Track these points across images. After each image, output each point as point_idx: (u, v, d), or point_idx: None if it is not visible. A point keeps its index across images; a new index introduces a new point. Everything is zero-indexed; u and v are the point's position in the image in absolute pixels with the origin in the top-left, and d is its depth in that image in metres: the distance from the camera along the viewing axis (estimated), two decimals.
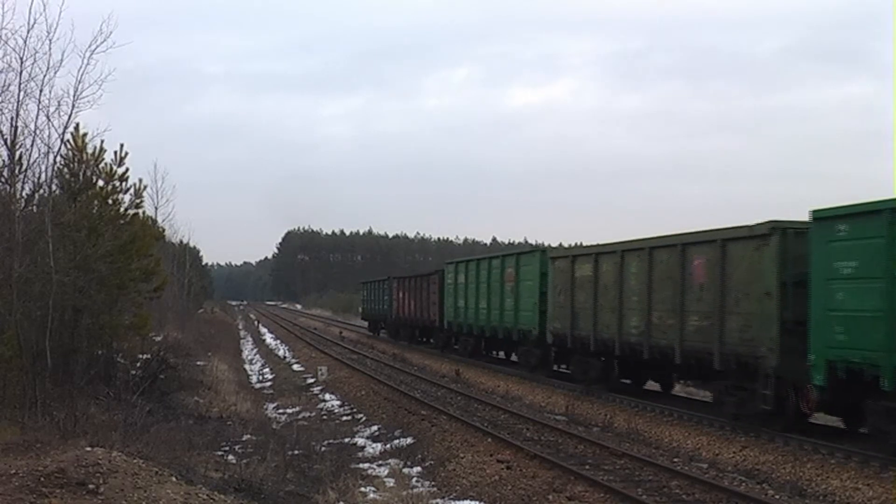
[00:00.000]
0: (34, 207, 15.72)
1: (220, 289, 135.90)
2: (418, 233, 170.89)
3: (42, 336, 13.70)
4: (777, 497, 10.87)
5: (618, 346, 17.66)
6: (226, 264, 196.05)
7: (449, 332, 31.62)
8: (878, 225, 11.07)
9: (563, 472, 11.91)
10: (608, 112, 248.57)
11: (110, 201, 17.55)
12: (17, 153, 15.03)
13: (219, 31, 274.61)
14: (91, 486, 7.78)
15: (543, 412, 18.53)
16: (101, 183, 17.32)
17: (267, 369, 32.48)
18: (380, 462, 14.01)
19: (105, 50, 14.32)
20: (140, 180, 18.79)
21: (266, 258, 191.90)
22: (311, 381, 27.07)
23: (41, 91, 14.40)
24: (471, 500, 11.34)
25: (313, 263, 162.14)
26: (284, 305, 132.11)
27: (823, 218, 12.06)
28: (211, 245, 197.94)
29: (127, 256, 16.75)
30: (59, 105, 14.60)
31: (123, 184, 17.78)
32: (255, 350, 42.78)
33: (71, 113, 14.81)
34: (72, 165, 16.85)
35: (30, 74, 14.22)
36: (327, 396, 23.23)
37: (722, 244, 14.30)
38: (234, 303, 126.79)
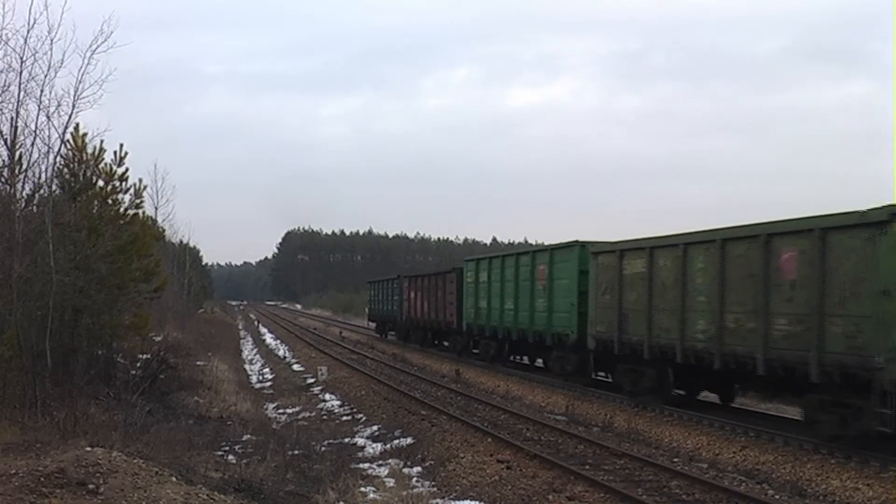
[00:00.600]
0: (34, 207, 15.72)
1: (220, 289, 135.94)
2: (418, 233, 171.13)
3: (42, 336, 13.71)
4: (777, 497, 10.86)
5: (679, 352, 15.42)
6: (226, 264, 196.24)
7: (468, 334, 29.09)
8: None
9: (563, 472, 11.91)
10: (608, 112, 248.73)
11: (110, 201, 17.55)
12: (18, 153, 15.07)
13: (219, 32, 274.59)
14: (91, 486, 7.78)
15: (543, 412, 18.52)
16: (101, 183, 17.32)
17: (267, 369, 32.48)
18: (380, 462, 14.01)
19: (106, 50, 14.36)
20: (140, 180, 18.81)
21: (266, 258, 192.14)
22: (311, 381, 27.07)
23: (41, 91, 14.43)
24: (471, 500, 11.34)
25: (313, 263, 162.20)
26: (284, 305, 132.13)
27: None
28: (211, 245, 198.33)
29: (127, 256, 16.75)
30: (59, 105, 14.63)
31: (123, 184, 17.79)
32: (255, 350, 42.78)
33: (71, 113, 14.84)
34: (72, 165, 16.85)
35: (30, 74, 14.25)
36: (327, 396, 23.23)
37: (821, 234, 12.16)
38: (234, 303, 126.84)
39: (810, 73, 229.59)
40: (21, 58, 14.05)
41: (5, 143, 14.96)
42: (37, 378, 13.20)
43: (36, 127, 14.69)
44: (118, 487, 7.85)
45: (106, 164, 17.31)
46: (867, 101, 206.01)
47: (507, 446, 13.94)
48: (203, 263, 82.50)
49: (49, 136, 14.97)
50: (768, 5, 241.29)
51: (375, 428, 17.72)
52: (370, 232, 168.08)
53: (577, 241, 20.57)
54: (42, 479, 7.81)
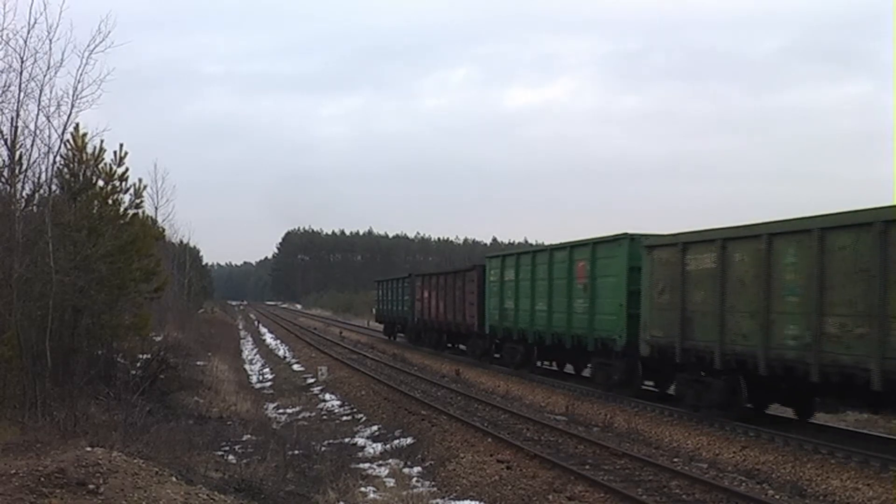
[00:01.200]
0: (34, 207, 15.72)
1: (220, 289, 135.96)
2: (418, 233, 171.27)
3: (42, 336, 13.71)
4: (777, 497, 10.86)
5: (763, 362, 13.25)
6: (226, 264, 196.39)
7: (491, 338, 26.77)
8: None
9: (564, 472, 11.91)
10: (607, 112, 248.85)
11: (110, 201, 17.54)
12: (17, 153, 15.05)
13: (218, 32, 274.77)
14: (91, 486, 7.78)
15: (543, 412, 18.52)
16: (101, 183, 17.31)
17: (267, 369, 32.48)
18: (380, 462, 14.01)
19: (104, 50, 14.33)
20: (140, 180, 18.79)
21: (266, 258, 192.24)
22: (311, 381, 27.07)
23: (41, 91, 14.42)
24: (471, 500, 11.34)
25: (313, 263, 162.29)
26: (284, 305, 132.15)
27: None
28: (211, 245, 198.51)
29: (127, 257, 16.74)
30: (59, 105, 14.62)
31: (123, 184, 17.77)
32: (255, 350, 42.77)
33: (71, 113, 14.84)
34: (72, 165, 16.84)
35: (30, 74, 14.24)
36: (327, 396, 23.23)
37: None
38: (234, 303, 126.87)
39: (808, 73, 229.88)
40: (21, 58, 14.05)
41: (5, 143, 14.96)
42: (37, 378, 13.20)
43: (36, 127, 14.70)
44: (118, 487, 7.85)
45: (106, 164, 17.30)
46: (866, 101, 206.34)
47: (508, 446, 13.94)
48: (203, 263, 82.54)
49: (49, 136, 14.99)
50: (767, 6, 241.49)
51: (375, 428, 17.72)
52: (370, 232, 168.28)
53: (626, 234, 17.98)
54: (42, 479, 7.81)
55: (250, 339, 51.71)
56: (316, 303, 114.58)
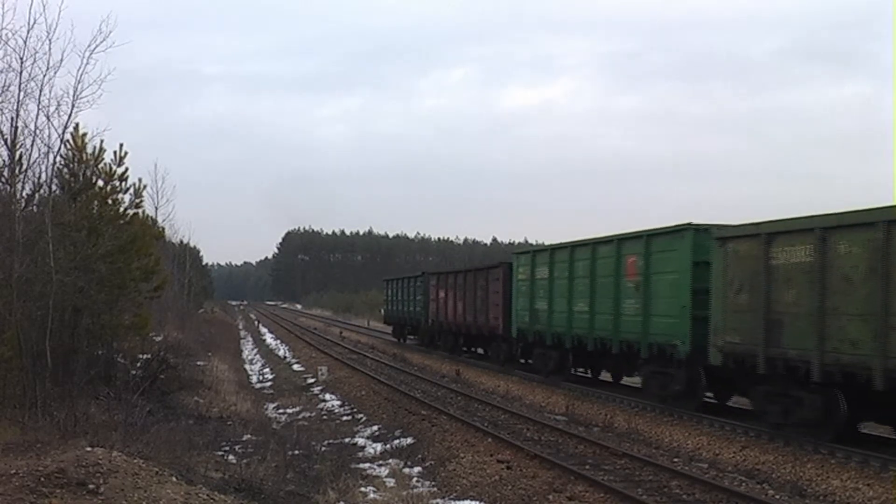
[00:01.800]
0: (34, 207, 15.70)
1: (220, 289, 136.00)
2: (418, 233, 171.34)
3: (42, 336, 13.69)
4: (777, 497, 10.86)
5: (880, 375, 11.06)
6: (226, 264, 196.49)
7: (519, 342, 24.26)
8: None
9: (564, 472, 11.91)
10: (605, 112, 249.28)
11: (110, 201, 17.51)
12: (17, 153, 15.04)
13: (217, 32, 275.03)
14: (91, 486, 7.78)
15: (543, 412, 18.52)
16: (100, 183, 17.29)
17: (267, 369, 32.47)
18: (380, 462, 14.01)
19: (104, 50, 14.31)
20: (140, 180, 18.76)
21: (266, 258, 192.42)
22: (312, 381, 27.06)
23: (41, 91, 14.40)
24: (471, 500, 11.33)
25: (313, 263, 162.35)
26: (284, 305, 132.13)
27: None
28: (211, 245, 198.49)
29: (127, 256, 16.72)
30: (58, 105, 14.60)
31: (123, 184, 17.74)
32: (255, 350, 42.77)
33: (71, 113, 14.82)
34: (72, 165, 16.83)
35: (30, 74, 14.22)
36: (327, 396, 23.22)
37: None
38: (234, 303, 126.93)
39: (807, 73, 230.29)
40: (21, 58, 14.03)
41: (5, 143, 14.95)
42: (37, 378, 13.19)
43: (36, 127, 14.68)
44: (118, 487, 7.85)
45: (106, 164, 17.28)
46: (865, 101, 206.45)
47: (508, 446, 13.93)
48: (203, 263, 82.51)
49: (49, 136, 14.97)
50: (765, 6, 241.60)
51: (376, 428, 17.71)
52: (370, 232, 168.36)
53: (689, 224, 15.96)
54: (42, 479, 7.81)
55: (250, 339, 51.71)
56: (316, 303, 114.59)
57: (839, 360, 11.88)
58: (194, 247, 60.73)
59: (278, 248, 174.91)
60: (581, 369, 21.82)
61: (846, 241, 11.92)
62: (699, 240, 15.64)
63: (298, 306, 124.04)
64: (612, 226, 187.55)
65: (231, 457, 13.01)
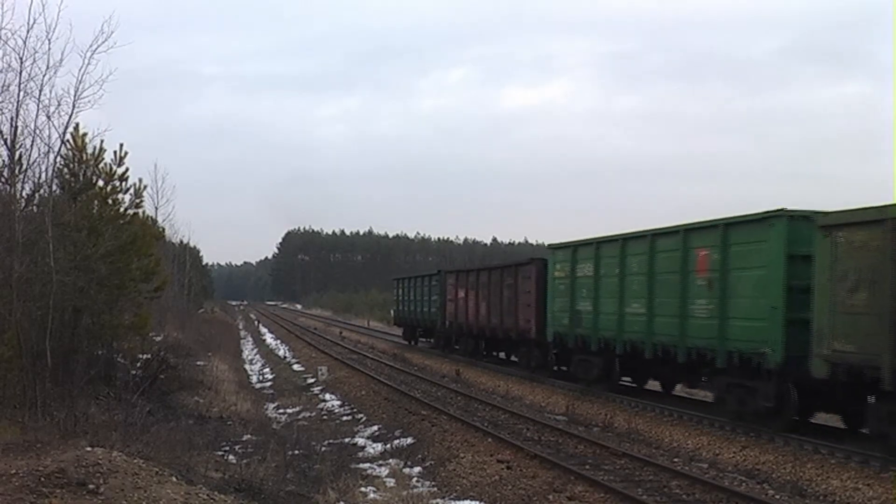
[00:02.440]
0: (34, 207, 15.70)
1: (220, 289, 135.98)
2: (418, 233, 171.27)
3: (42, 336, 13.69)
4: (777, 497, 10.86)
5: None
6: (226, 264, 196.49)
7: (556, 347, 21.72)
8: None
9: (564, 472, 11.91)
10: (605, 113, 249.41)
11: (110, 201, 17.51)
12: (17, 153, 15.04)
13: (217, 32, 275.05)
14: (91, 486, 7.78)
15: (544, 412, 18.51)
16: (101, 183, 17.30)
17: (267, 369, 32.48)
18: (380, 462, 14.01)
19: (106, 50, 14.33)
20: (140, 180, 18.77)
21: (266, 258, 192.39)
22: (312, 381, 27.06)
23: (41, 91, 14.40)
24: (471, 500, 11.34)
25: (313, 263, 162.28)
26: (284, 305, 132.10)
27: None
28: (211, 245, 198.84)
29: (127, 256, 16.73)
30: (59, 105, 14.60)
31: (123, 184, 17.75)
32: (255, 350, 42.77)
33: (71, 113, 14.82)
34: (72, 165, 16.83)
35: (30, 74, 14.22)
36: (327, 396, 23.22)
37: None
38: (234, 303, 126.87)
39: (806, 73, 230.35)
40: (20, 58, 14.03)
41: (5, 143, 14.95)
42: (37, 378, 13.19)
43: (36, 127, 14.68)
44: (118, 487, 7.85)
45: (106, 164, 17.28)
46: (864, 101, 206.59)
47: (508, 446, 13.93)
48: (203, 263, 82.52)
49: (49, 136, 14.97)
50: (765, 6, 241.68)
51: (376, 428, 17.71)
52: (370, 232, 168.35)
53: (782, 211, 13.62)
54: (42, 479, 7.81)
55: (250, 339, 51.71)
56: (316, 303, 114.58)
57: None
58: (194, 247, 60.82)
59: (278, 248, 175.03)
60: (627, 378, 19.52)
61: None
62: (795, 229, 13.34)
63: (298, 306, 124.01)
64: (612, 226, 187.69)
65: (231, 457, 13.01)
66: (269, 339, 51.00)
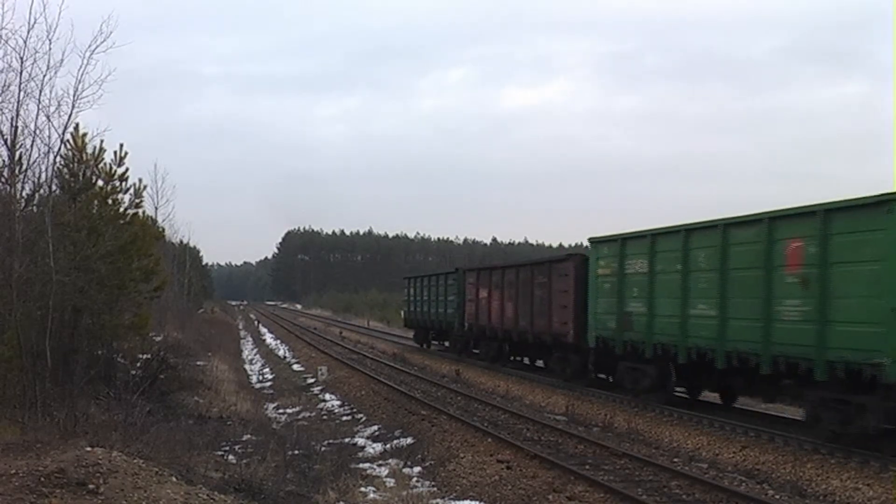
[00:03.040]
0: (34, 207, 15.71)
1: (220, 289, 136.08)
2: (418, 233, 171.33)
3: (42, 336, 13.69)
4: (777, 497, 10.86)
5: None
6: (226, 264, 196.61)
7: (599, 352, 19.30)
8: None
9: (564, 472, 11.91)
10: (605, 113, 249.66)
11: (110, 201, 17.51)
12: (17, 153, 15.05)
13: (216, 32, 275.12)
14: (91, 486, 7.78)
15: (543, 412, 18.50)
16: (100, 183, 17.29)
17: (267, 369, 32.48)
18: (380, 462, 14.01)
19: (105, 50, 14.31)
20: (140, 180, 18.76)
21: (266, 258, 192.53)
22: (311, 380, 27.07)
23: (41, 91, 14.41)
24: (471, 500, 11.34)
25: (313, 263, 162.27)
26: (284, 305, 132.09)
27: None
28: (211, 245, 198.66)
29: (127, 256, 16.73)
30: (59, 105, 14.60)
31: (123, 184, 17.74)
32: (255, 350, 42.78)
33: (71, 113, 14.82)
34: (72, 165, 16.82)
35: (30, 74, 14.23)
36: (327, 396, 23.22)
37: None
38: (234, 303, 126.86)
39: (805, 73, 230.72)
40: (21, 58, 14.04)
41: (5, 143, 14.96)
42: (37, 378, 13.18)
43: (36, 127, 14.69)
44: (118, 487, 7.85)
45: (106, 164, 17.27)
46: (863, 101, 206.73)
47: (508, 446, 13.93)
48: (203, 263, 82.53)
49: (49, 136, 14.98)
50: (765, 6, 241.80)
51: (375, 428, 17.71)
52: (370, 232, 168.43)
53: (885, 195, 11.51)
54: (42, 479, 7.81)
55: (250, 339, 51.71)
56: (316, 303, 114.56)
57: None
58: (194, 247, 60.84)
59: (278, 248, 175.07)
60: (680, 389, 17.40)
61: None
62: None
63: (298, 306, 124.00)
64: (612, 226, 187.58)
65: (231, 457, 13.01)
66: (268, 339, 51.00)
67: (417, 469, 13.47)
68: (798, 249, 13.01)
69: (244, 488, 9.94)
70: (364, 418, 19.26)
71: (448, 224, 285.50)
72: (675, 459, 13.27)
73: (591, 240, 19.90)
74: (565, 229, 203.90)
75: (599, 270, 19.06)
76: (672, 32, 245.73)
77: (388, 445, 15.53)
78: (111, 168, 17.35)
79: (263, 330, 60.60)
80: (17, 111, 14.59)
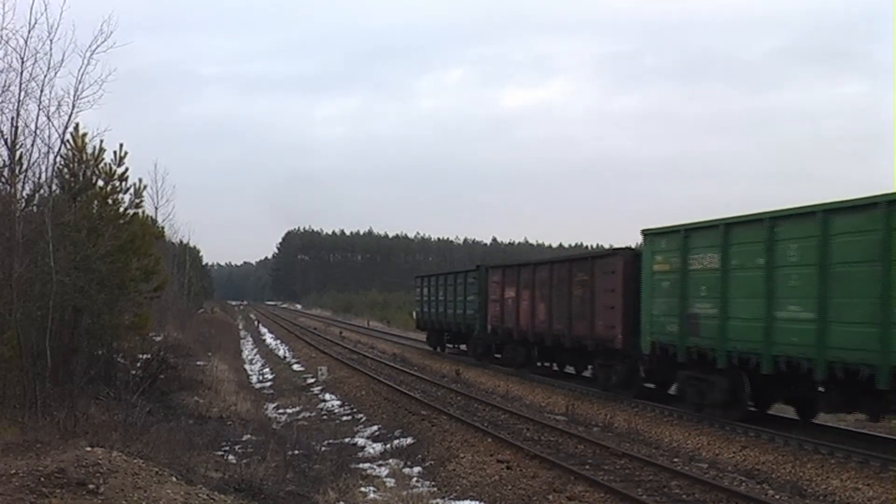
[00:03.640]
0: (34, 207, 15.70)
1: (220, 289, 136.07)
2: (418, 233, 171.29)
3: (42, 336, 13.69)
4: (777, 497, 10.86)
5: None
6: (226, 264, 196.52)
7: (653, 359, 17.05)
8: None
9: (564, 472, 11.91)
10: (604, 113, 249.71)
11: (110, 201, 17.51)
12: (18, 153, 15.04)
13: (216, 32, 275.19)
14: (91, 486, 7.78)
15: (543, 412, 18.50)
16: (100, 183, 17.29)
17: (267, 369, 32.48)
18: (380, 462, 14.01)
19: (105, 50, 14.31)
20: (140, 180, 18.76)
21: (266, 258, 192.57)
22: (311, 380, 27.07)
23: (41, 91, 14.40)
24: (471, 500, 11.34)
25: (313, 263, 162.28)
26: (284, 305, 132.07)
27: None
28: (211, 245, 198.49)
29: (127, 256, 16.73)
30: (59, 105, 14.60)
31: (123, 184, 17.74)
32: (255, 350, 42.78)
33: (71, 113, 14.82)
34: (72, 165, 16.82)
35: (30, 74, 14.22)
36: (327, 396, 23.23)
37: None
38: (234, 303, 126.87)
39: (804, 74, 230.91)
40: (21, 58, 14.03)
41: (5, 143, 14.95)
42: (37, 378, 13.18)
43: (36, 127, 14.68)
44: (118, 487, 7.85)
45: (106, 164, 17.27)
46: (862, 101, 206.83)
47: (508, 446, 13.93)
48: (203, 263, 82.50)
49: (49, 136, 14.98)
50: (765, 6, 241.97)
51: (375, 428, 17.72)
52: (370, 232, 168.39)
53: None
54: (42, 479, 7.81)
55: (250, 339, 51.71)
56: (316, 303, 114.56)
57: None
58: (194, 247, 60.79)
59: (278, 248, 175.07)
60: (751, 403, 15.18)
61: None
62: None
63: (298, 306, 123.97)
64: (612, 226, 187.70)
65: (231, 457, 13.01)
66: (268, 339, 51.00)
67: (417, 469, 13.47)
68: None
69: (244, 488, 9.94)
70: (364, 418, 19.27)
71: (448, 224, 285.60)
72: (675, 459, 13.27)
73: (644, 232, 17.33)
74: (565, 229, 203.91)
75: (656, 266, 16.69)
76: (671, 32, 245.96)
77: (388, 445, 15.53)
78: (111, 168, 17.36)
79: (263, 330, 60.60)
80: (18, 111, 14.59)
